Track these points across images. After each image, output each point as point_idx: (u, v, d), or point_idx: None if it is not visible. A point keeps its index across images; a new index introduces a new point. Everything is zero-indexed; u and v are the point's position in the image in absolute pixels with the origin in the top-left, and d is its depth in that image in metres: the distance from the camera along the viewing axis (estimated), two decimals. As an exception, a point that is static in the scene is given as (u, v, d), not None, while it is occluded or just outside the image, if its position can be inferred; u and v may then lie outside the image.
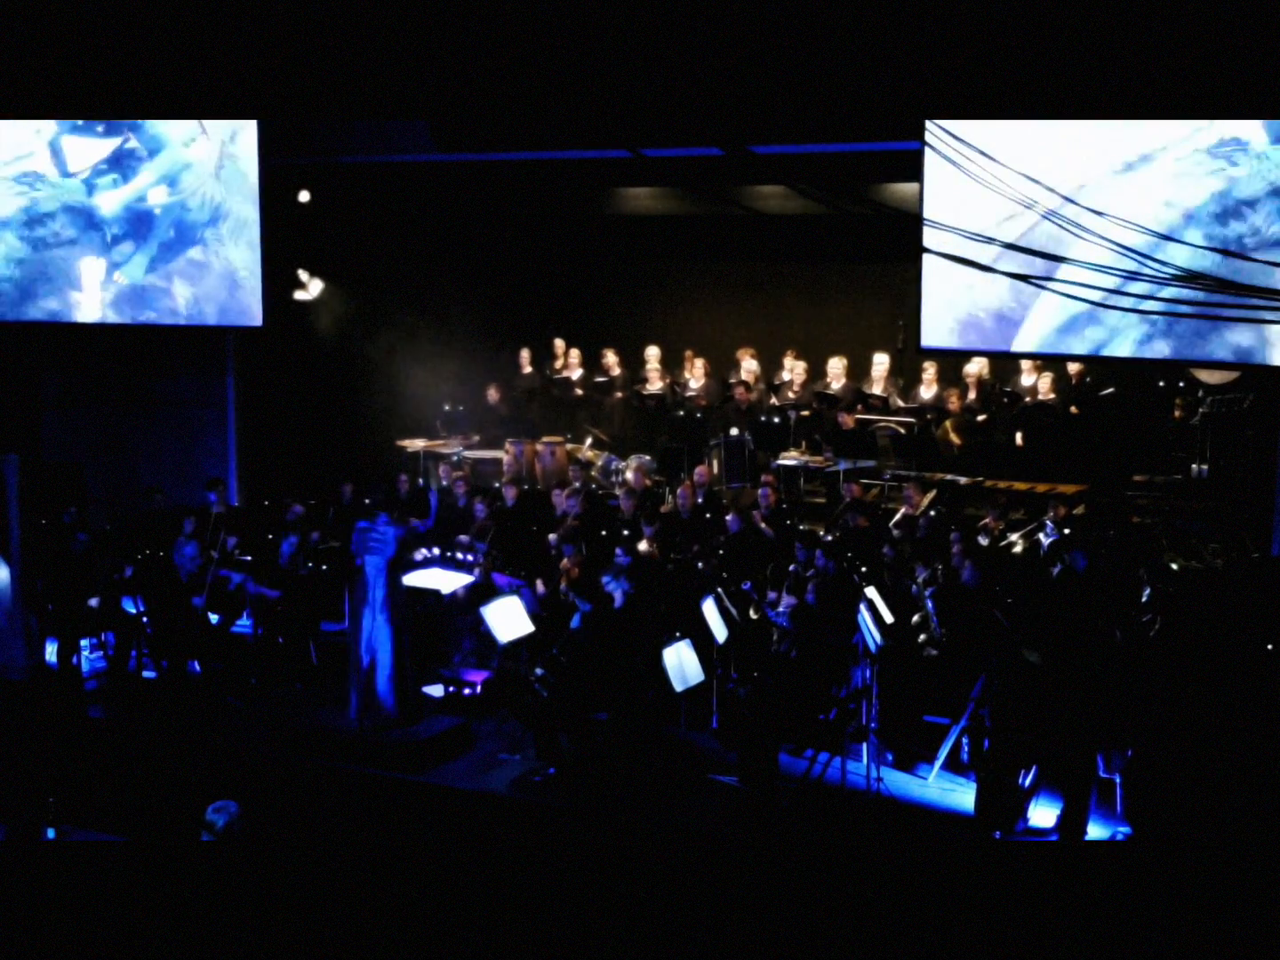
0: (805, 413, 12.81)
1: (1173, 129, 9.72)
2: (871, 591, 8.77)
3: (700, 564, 10.18)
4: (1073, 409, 11.87)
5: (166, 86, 5.35)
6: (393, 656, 9.09)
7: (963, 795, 8.32)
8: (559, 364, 14.29)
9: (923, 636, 9.07)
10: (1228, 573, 9.85)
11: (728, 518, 10.68)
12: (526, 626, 9.32)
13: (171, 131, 12.89)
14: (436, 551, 10.84)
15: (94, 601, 10.62)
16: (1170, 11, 5.16)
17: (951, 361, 12.45)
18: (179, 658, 10.38)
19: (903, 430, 12.19)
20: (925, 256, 10.48)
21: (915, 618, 9.20)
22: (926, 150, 10.08)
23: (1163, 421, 11.94)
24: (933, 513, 10.73)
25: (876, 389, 12.69)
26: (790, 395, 13.14)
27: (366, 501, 9.44)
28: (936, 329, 10.90)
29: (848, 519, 10.66)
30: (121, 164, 13.08)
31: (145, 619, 10.58)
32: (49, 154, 13.18)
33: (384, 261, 13.75)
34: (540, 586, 10.36)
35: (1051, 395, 11.93)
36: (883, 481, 12.05)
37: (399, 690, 9.13)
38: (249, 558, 11.21)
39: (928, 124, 10.00)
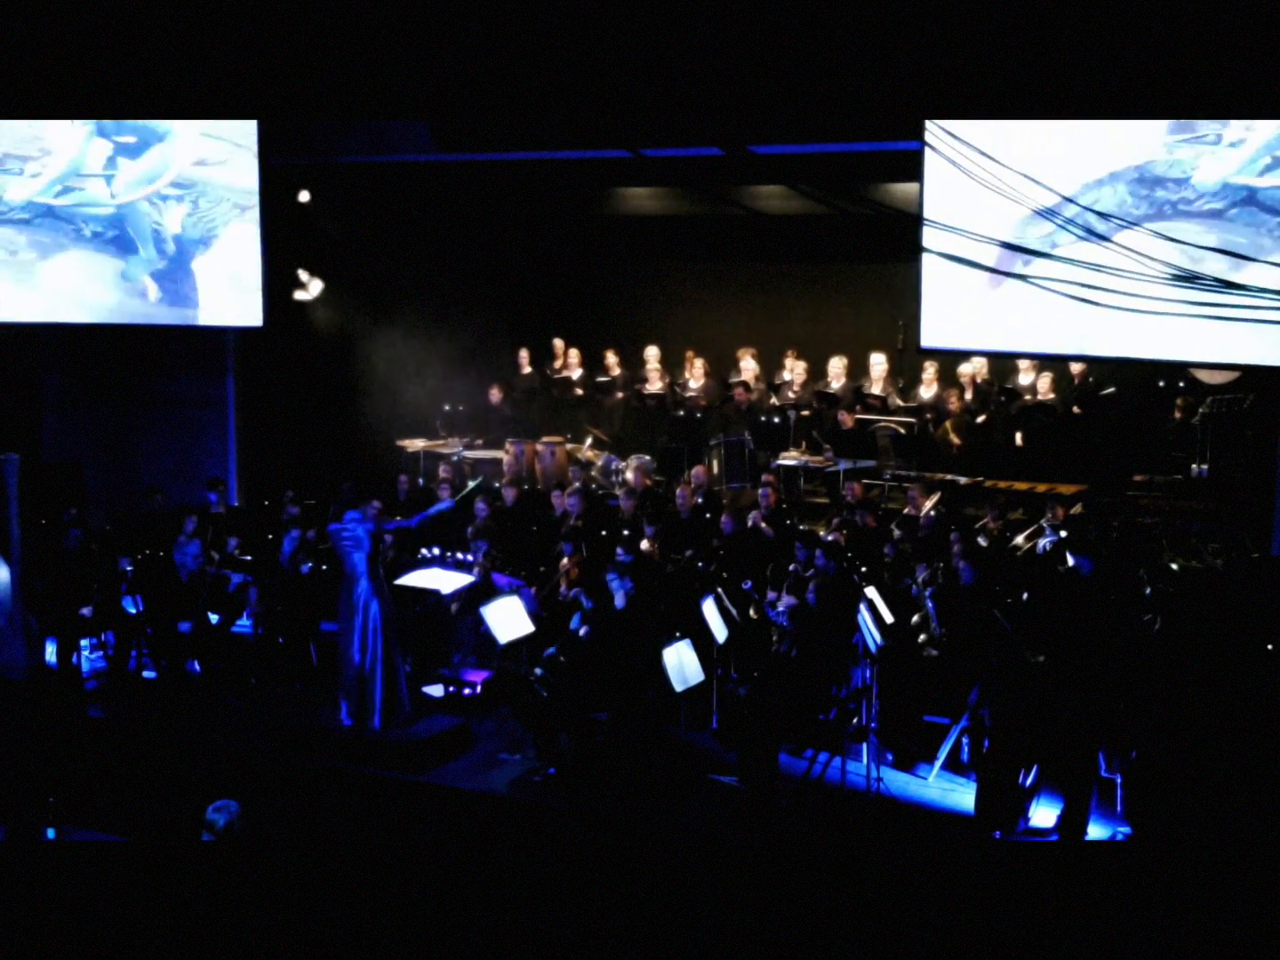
0: (805, 413, 12.82)
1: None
2: (871, 591, 8.77)
3: (700, 564, 10.18)
4: (1074, 409, 11.87)
5: (166, 86, 5.35)
6: (382, 657, 9.06)
7: (963, 795, 8.32)
8: (559, 364, 14.30)
9: (923, 636, 9.07)
10: (1228, 573, 9.85)
11: (722, 519, 10.65)
12: (526, 626, 9.32)
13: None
14: (437, 551, 10.85)
15: (87, 611, 10.61)
16: (1170, 11, 5.16)
17: (951, 361, 12.46)
18: (179, 658, 10.37)
19: (903, 430, 12.19)
20: (925, 256, 10.48)
21: (915, 618, 9.20)
22: (926, 150, 10.08)
23: (1163, 421, 11.94)
24: (933, 513, 10.73)
25: (876, 389, 12.69)
26: (790, 395, 13.14)
27: (337, 503, 9.44)
28: (936, 329, 10.91)
29: (855, 518, 10.66)
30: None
31: (145, 619, 10.59)
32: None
33: (384, 261, 13.76)
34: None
35: (1051, 395, 11.94)
36: (883, 481, 12.06)
37: (387, 693, 9.09)
38: (249, 558, 11.21)
39: (928, 124, 10.00)
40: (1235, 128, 9.52)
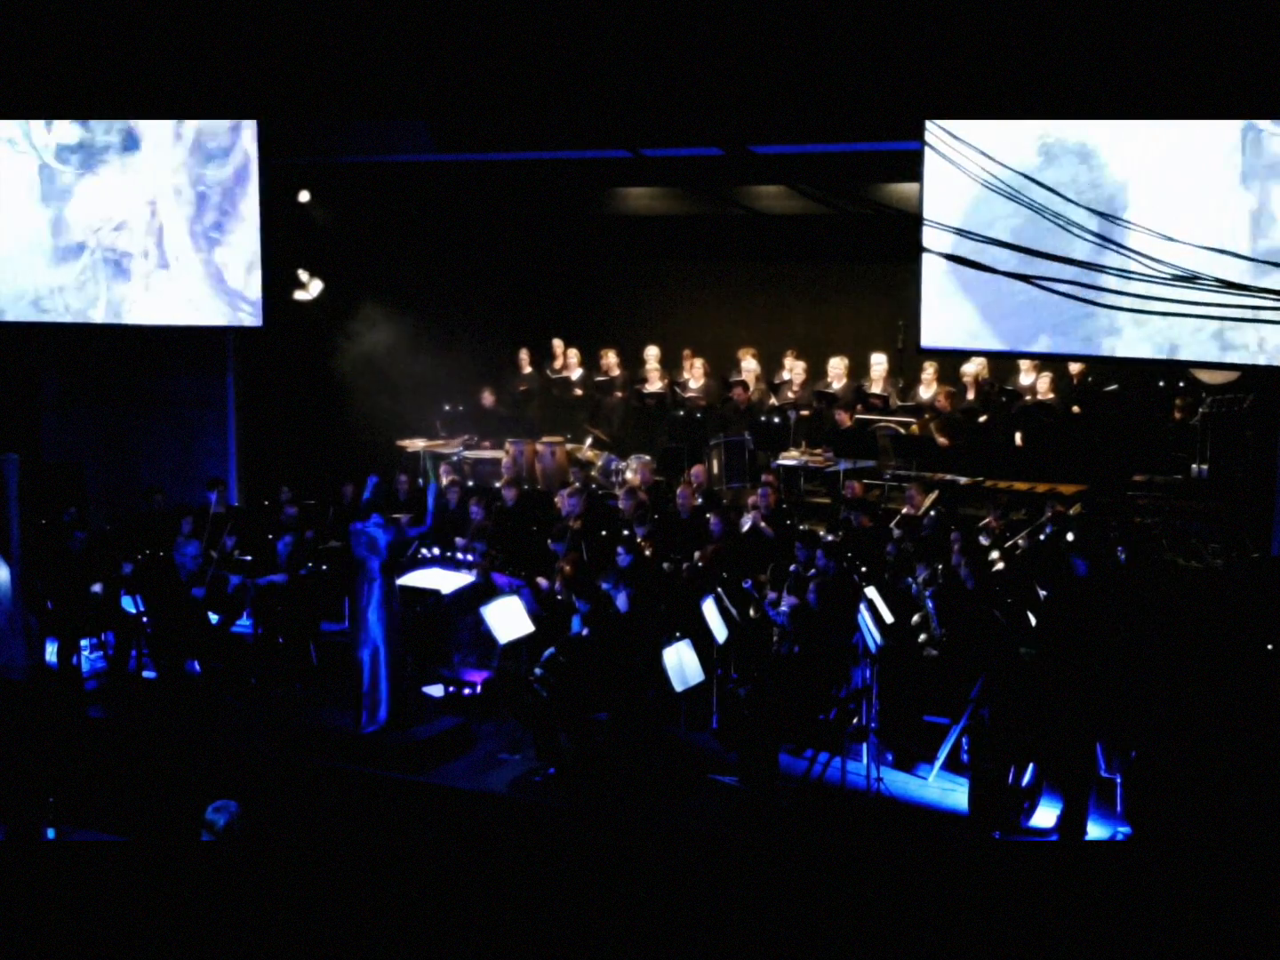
0: (805, 413, 12.82)
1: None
2: (871, 591, 8.77)
3: (700, 564, 10.17)
4: (1075, 408, 11.86)
5: (167, 86, 5.34)
6: (387, 661, 9.05)
7: (963, 795, 8.31)
8: (559, 364, 14.29)
9: (923, 636, 9.07)
10: (1228, 573, 9.85)
11: (711, 520, 10.58)
12: (526, 626, 9.32)
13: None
14: (436, 551, 10.84)
15: (97, 587, 10.58)
16: (1171, 11, 5.15)
17: (951, 361, 12.45)
18: (179, 658, 10.37)
19: (902, 430, 12.19)
20: (925, 256, 10.47)
21: (915, 618, 9.20)
22: (926, 150, 10.07)
23: (1163, 421, 11.94)
24: (933, 513, 10.72)
25: (876, 389, 12.69)
26: (790, 395, 13.14)
27: (364, 501, 9.41)
28: (936, 329, 10.90)
29: (850, 518, 10.65)
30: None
31: (145, 619, 10.58)
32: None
33: (384, 261, 13.76)
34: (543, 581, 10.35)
35: (1051, 395, 11.94)
36: (883, 481, 12.05)
37: (393, 695, 9.09)
38: (249, 558, 11.20)
39: (928, 124, 9.99)
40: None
